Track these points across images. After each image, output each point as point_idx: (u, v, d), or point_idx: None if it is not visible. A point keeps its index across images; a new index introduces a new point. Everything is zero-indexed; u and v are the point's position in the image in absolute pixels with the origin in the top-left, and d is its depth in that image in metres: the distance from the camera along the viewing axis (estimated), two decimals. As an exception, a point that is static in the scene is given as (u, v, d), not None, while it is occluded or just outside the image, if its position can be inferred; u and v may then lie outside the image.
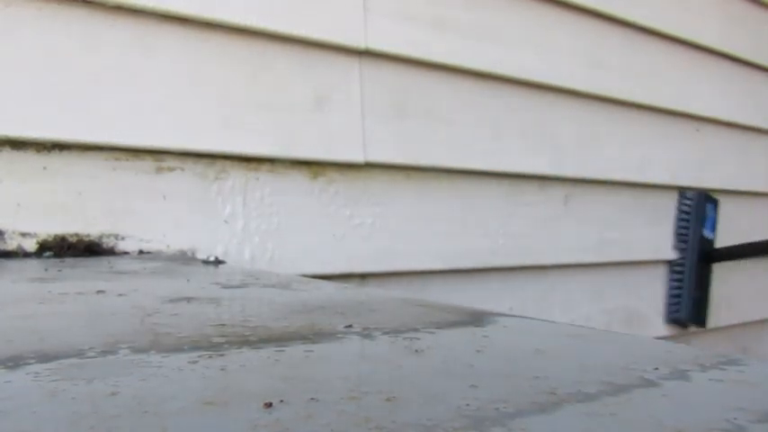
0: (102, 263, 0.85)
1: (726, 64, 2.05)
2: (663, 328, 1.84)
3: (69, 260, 0.86)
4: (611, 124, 1.70)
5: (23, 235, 0.88)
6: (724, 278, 1.95)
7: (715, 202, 1.91)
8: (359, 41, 1.19)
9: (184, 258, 0.98)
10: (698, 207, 1.85)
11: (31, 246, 0.89)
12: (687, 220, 1.83)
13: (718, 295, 1.95)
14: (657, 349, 0.44)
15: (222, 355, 0.37)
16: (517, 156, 1.48)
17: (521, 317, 0.54)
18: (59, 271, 0.75)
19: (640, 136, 1.78)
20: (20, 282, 0.68)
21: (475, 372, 0.35)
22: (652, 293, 1.81)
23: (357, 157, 1.20)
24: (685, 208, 1.84)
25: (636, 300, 1.76)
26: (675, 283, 1.83)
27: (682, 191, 1.85)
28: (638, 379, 0.34)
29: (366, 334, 0.44)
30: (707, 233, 1.85)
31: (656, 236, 1.83)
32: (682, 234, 1.83)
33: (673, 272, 1.83)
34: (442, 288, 1.34)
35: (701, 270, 1.85)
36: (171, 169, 1.00)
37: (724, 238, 1.93)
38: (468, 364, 0.37)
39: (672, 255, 1.83)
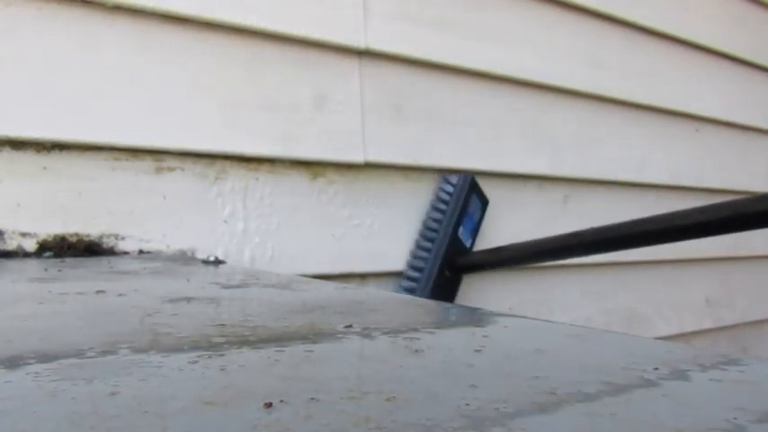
0: (102, 263, 0.85)
1: (726, 64, 2.05)
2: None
3: (69, 260, 0.86)
4: (610, 124, 1.71)
5: (23, 235, 0.88)
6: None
7: (484, 201, 1.38)
8: (359, 41, 1.19)
9: (184, 258, 0.98)
10: (461, 198, 1.31)
11: (31, 246, 0.89)
12: (443, 212, 1.31)
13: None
14: (657, 349, 0.44)
15: (222, 355, 0.37)
16: (517, 156, 1.48)
17: (521, 317, 0.54)
18: (59, 271, 0.75)
19: (640, 136, 1.78)
20: (20, 282, 0.68)
21: (475, 372, 0.35)
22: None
23: (357, 157, 1.20)
24: (444, 196, 1.32)
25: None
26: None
27: (445, 174, 1.34)
28: (638, 379, 0.34)
29: (366, 334, 0.44)
30: (463, 236, 1.31)
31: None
32: (430, 230, 1.30)
33: (407, 279, 1.28)
34: (442, 288, 1.34)
35: (442, 282, 1.28)
36: (171, 169, 1.00)
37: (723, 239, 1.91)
38: (468, 364, 0.37)
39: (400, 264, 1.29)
